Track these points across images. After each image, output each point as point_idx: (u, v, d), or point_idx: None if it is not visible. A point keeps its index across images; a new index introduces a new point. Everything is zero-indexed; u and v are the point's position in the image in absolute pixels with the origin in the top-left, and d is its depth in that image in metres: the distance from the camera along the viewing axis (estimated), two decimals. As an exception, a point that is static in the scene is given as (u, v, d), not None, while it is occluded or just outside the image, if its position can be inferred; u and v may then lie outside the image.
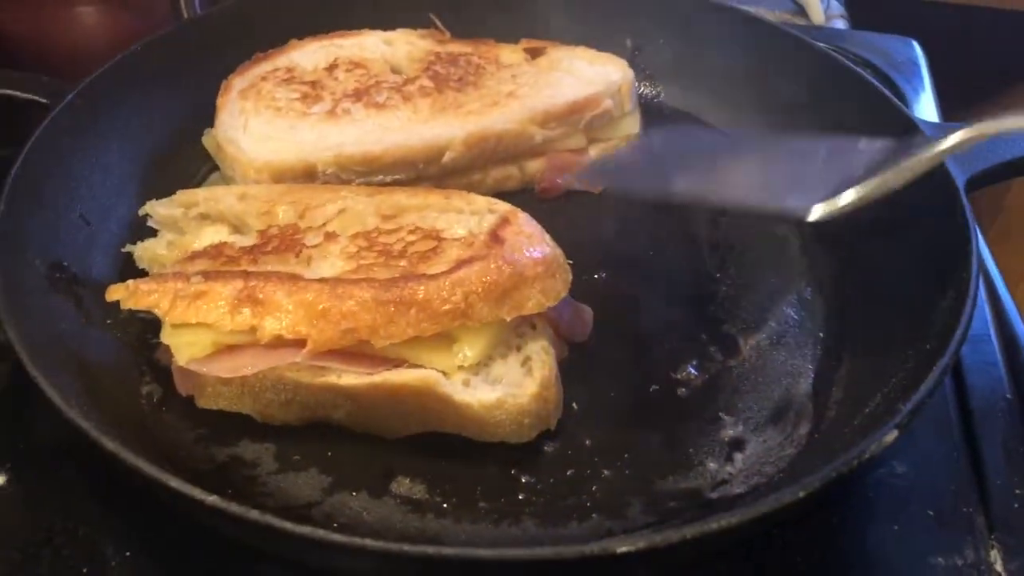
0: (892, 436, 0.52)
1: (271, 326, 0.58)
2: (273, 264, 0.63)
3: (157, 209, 0.72)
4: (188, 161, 0.83)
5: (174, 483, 0.48)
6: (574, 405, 0.65)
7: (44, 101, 0.75)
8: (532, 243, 0.62)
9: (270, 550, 0.53)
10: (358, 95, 0.83)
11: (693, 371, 0.68)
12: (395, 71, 0.88)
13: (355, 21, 0.92)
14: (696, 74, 0.93)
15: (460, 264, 0.59)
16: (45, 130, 0.72)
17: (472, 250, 0.61)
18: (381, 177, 0.77)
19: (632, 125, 0.87)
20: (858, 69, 0.81)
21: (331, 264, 0.63)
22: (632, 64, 0.94)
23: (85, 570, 0.57)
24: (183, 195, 0.72)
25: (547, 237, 0.65)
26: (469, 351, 0.59)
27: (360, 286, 0.58)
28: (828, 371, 0.68)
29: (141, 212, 0.72)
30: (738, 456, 0.63)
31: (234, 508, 0.47)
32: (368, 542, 0.45)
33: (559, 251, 0.65)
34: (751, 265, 0.77)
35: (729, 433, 0.64)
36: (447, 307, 0.57)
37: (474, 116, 0.81)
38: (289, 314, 0.58)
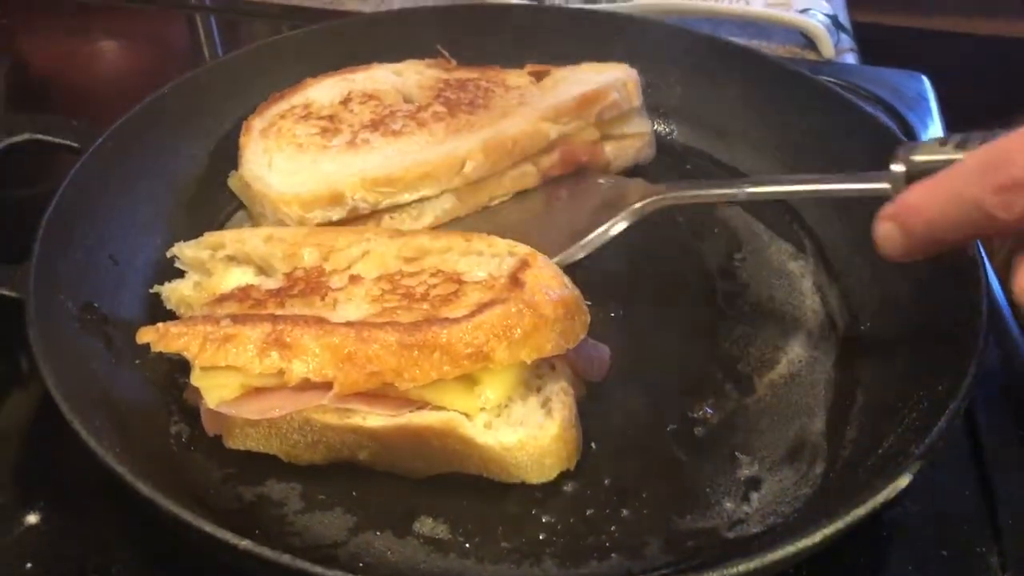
0: (906, 481, 0.53)
1: (299, 369, 0.59)
2: (299, 307, 0.65)
3: (184, 251, 0.74)
4: (213, 202, 0.85)
5: (209, 528, 0.50)
6: (593, 444, 0.66)
7: (75, 145, 0.77)
8: (551, 286, 0.63)
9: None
10: (375, 125, 0.85)
11: (709, 410, 0.70)
12: (407, 100, 0.90)
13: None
14: (707, 112, 0.95)
15: (481, 308, 0.61)
16: (76, 174, 0.74)
17: (492, 293, 0.63)
18: (407, 196, 0.79)
19: (642, 124, 0.91)
20: (860, 103, 0.83)
21: (356, 307, 0.64)
22: (644, 102, 0.97)
23: (117, 608, 0.59)
24: (210, 237, 0.74)
25: (565, 279, 0.66)
26: (491, 393, 0.61)
27: (385, 330, 0.60)
28: (842, 409, 0.69)
29: (169, 254, 0.74)
30: (754, 495, 0.64)
31: (266, 553, 0.49)
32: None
33: (577, 292, 0.66)
34: (765, 302, 0.79)
35: (745, 472, 0.65)
36: (469, 351, 0.59)
37: (488, 128, 0.83)
38: (316, 357, 0.60)
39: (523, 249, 0.68)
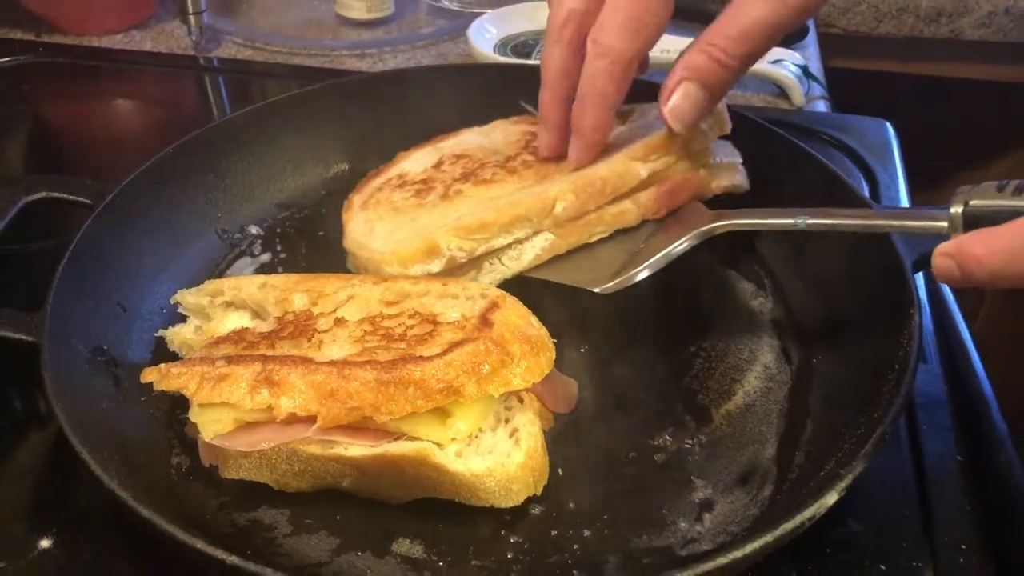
0: (832, 499, 0.59)
1: (286, 405, 0.65)
2: (288, 348, 0.71)
3: (186, 297, 0.80)
4: (213, 252, 0.92)
5: (200, 545, 0.56)
6: (559, 471, 0.72)
7: (87, 202, 0.84)
8: (518, 325, 0.69)
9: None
10: (466, 177, 0.88)
11: (669, 438, 0.75)
12: (496, 154, 0.93)
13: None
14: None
15: (453, 346, 0.67)
16: (87, 229, 0.80)
17: (464, 333, 0.69)
18: (501, 240, 0.81)
19: (732, 153, 0.90)
20: (812, 151, 0.89)
21: (339, 347, 0.70)
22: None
23: (121, 625, 0.64)
24: (210, 284, 0.81)
25: (532, 319, 0.72)
26: (461, 424, 0.66)
27: (364, 368, 0.66)
28: (792, 437, 0.74)
29: (172, 300, 0.81)
30: (707, 516, 0.69)
31: (251, 567, 0.55)
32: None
33: (544, 331, 0.72)
34: (726, 338, 0.84)
35: (700, 495, 0.71)
36: (440, 386, 0.64)
37: (578, 170, 0.85)
38: (302, 394, 0.66)
39: (494, 292, 0.74)
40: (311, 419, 0.66)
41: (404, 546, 0.67)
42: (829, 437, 0.71)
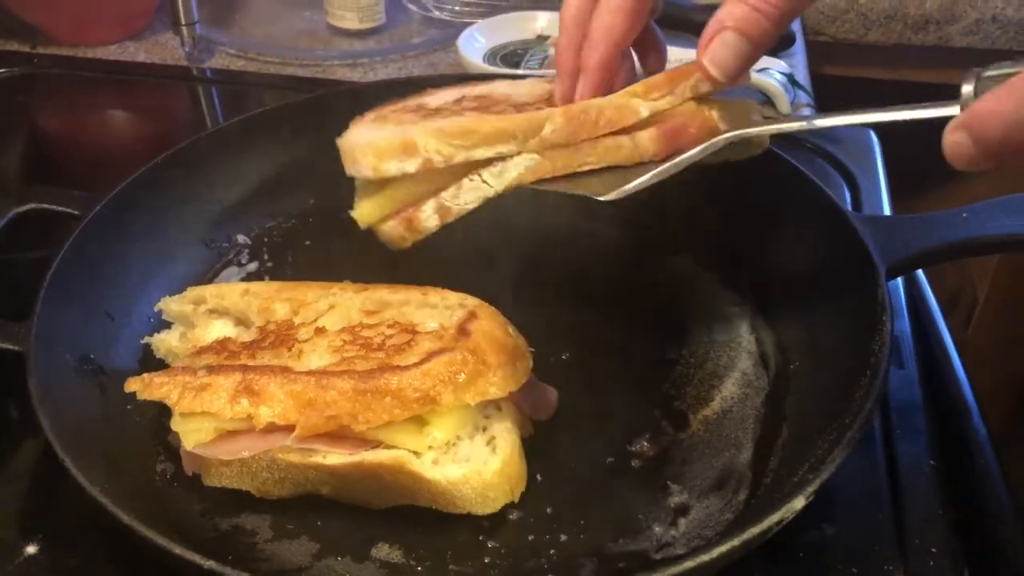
0: (800, 504, 0.60)
1: (265, 414, 0.67)
2: (269, 358, 0.72)
3: (169, 305, 0.82)
4: (199, 261, 0.93)
5: (178, 550, 0.57)
6: (538, 476, 0.73)
7: (76, 212, 0.86)
8: (495, 335, 0.70)
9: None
10: (475, 110, 0.84)
11: (646, 444, 0.76)
12: (516, 99, 0.88)
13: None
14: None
15: (430, 356, 0.68)
16: (76, 239, 0.82)
17: (442, 342, 0.70)
18: (482, 151, 0.76)
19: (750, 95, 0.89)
20: (793, 161, 0.90)
21: (319, 356, 0.72)
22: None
23: (104, 628, 0.66)
24: (193, 292, 0.82)
25: (510, 328, 0.74)
26: (438, 433, 0.67)
27: (342, 378, 0.67)
28: (768, 442, 0.76)
29: (155, 308, 0.82)
30: (682, 521, 0.70)
31: (228, 572, 0.56)
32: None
33: (521, 340, 0.74)
34: (704, 344, 0.85)
35: (676, 500, 0.72)
36: (417, 395, 0.66)
37: None
38: (281, 403, 0.67)
39: (472, 301, 0.75)
40: (290, 428, 0.67)
41: (383, 551, 0.69)
42: (803, 442, 0.72)
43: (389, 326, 0.74)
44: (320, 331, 0.75)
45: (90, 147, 1.33)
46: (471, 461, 0.68)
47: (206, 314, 0.80)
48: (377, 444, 0.68)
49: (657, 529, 0.70)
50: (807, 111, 1.30)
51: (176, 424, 0.70)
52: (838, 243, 0.81)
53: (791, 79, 1.30)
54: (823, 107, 1.33)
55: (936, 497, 0.73)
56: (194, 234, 0.95)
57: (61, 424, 0.67)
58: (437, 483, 0.66)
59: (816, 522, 0.70)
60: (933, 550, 0.69)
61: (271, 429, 0.67)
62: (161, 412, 0.78)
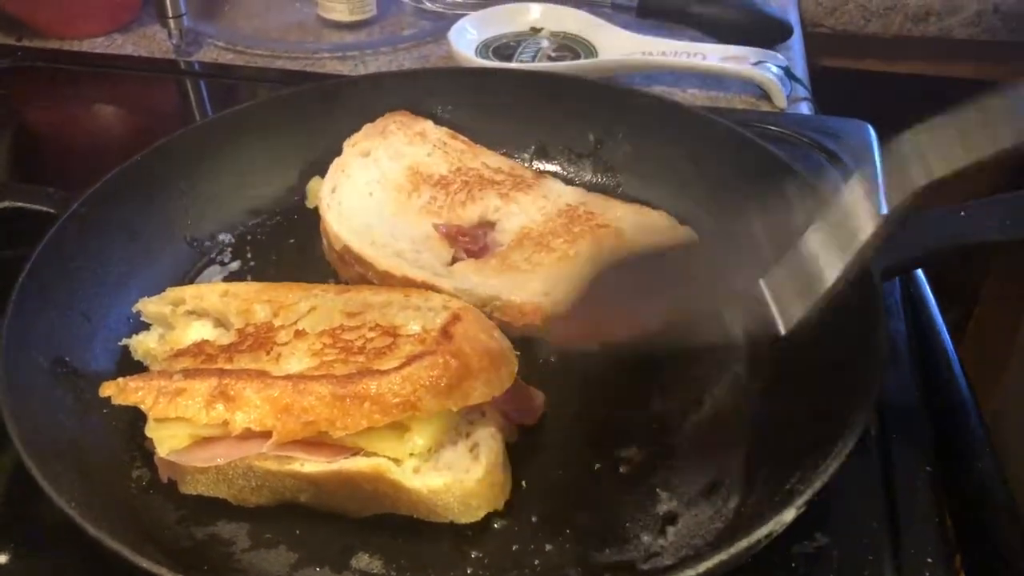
0: (790, 516, 0.58)
1: (241, 420, 0.65)
2: (247, 361, 0.70)
3: (148, 306, 0.80)
4: (180, 260, 0.91)
5: (145, 564, 0.55)
6: (523, 483, 0.71)
7: (51, 211, 0.83)
8: (478, 338, 0.68)
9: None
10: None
11: (635, 449, 0.74)
12: None
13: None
14: (653, 166, 1.00)
15: (411, 359, 0.66)
16: (50, 238, 0.80)
17: (424, 346, 0.68)
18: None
19: None
20: (787, 160, 0.88)
21: (298, 360, 0.70)
22: (595, 157, 1.03)
23: (74, 640, 0.64)
24: (172, 293, 0.80)
25: (495, 332, 0.71)
26: (419, 440, 0.65)
27: (320, 382, 0.65)
28: (758, 450, 0.73)
29: (133, 309, 0.80)
30: (670, 529, 0.68)
31: (197, 586, 0.54)
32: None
33: (506, 344, 0.71)
34: (695, 349, 0.83)
35: (664, 508, 0.70)
36: (397, 400, 0.63)
37: None
38: (257, 409, 0.65)
39: (456, 304, 0.73)
40: (267, 434, 0.65)
41: (363, 561, 0.67)
42: (795, 449, 0.70)
43: (370, 328, 0.72)
44: (300, 334, 0.73)
45: (76, 142, 1.31)
46: (453, 469, 0.66)
47: (185, 315, 0.78)
48: (357, 451, 0.66)
49: (645, 538, 0.68)
50: (804, 106, 1.28)
51: (151, 430, 0.68)
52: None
53: (788, 72, 1.27)
54: (821, 101, 1.31)
55: (933, 505, 0.71)
56: (175, 232, 0.93)
57: (30, 430, 0.66)
58: (418, 492, 0.65)
59: (809, 531, 0.68)
60: (929, 560, 0.67)
61: (247, 436, 0.65)
62: (137, 417, 0.75)
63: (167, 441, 0.67)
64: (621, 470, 0.73)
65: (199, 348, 0.74)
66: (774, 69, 1.26)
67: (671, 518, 0.69)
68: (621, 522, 0.69)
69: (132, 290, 0.85)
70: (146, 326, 0.82)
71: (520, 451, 0.72)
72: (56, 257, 0.80)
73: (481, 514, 0.66)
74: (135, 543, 0.58)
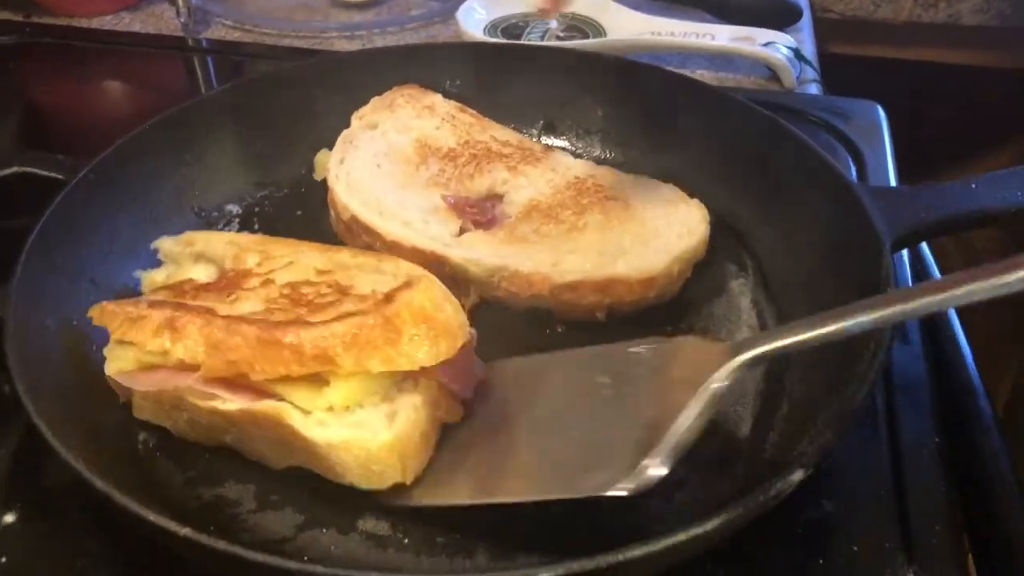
0: (798, 476, 0.57)
1: (178, 351, 0.66)
2: (209, 300, 0.72)
3: (165, 244, 0.83)
4: (189, 228, 0.91)
5: (153, 517, 0.55)
6: (533, 450, 0.71)
7: (60, 177, 0.83)
8: (422, 307, 0.66)
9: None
10: None
11: (643, 418, 0.74)
12: None
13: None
14: (661, 141, 1.00)
15: (341, 317, 0.65)
16: (60, 204, 0.80)
17: (363, 306, 0.67)
18: None
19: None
20: (798, 132, 0.87)
21: (250, 305, 0.71)
22: (603, 133, 1.03)
23: (81, 595, 0.64)
24: (188, 235, 0.83)
25: (448, 305, 0.68)
26: (333, 395, 0.64)
27: (250, 325, 0.65)
28: (767, 417, 0.73)
29: (153, 245, 0.83)
30: (678, 495, 0.68)
31: (203, 539, 0.54)
32: (314, 569, 0.52)
33: (459, 318, 0.68)
34: (705, 318, 0.83)
35: (673, 474, 0.69)
36: (314, 352, 0.63)
37: None
38: (193, 343, 0.66)
39: (418, 272, 0.72)
40: (198, 368, 0.66)
41: (370, 523, 0.67)
42: (803, 417, 0.70)
43: (328, 286, 0.72)
44: (267, 282, 0.74)
45: (83, 117, 1.31)
46: (360, 429, 0.64)
47: (194, 257, 0.80)
48: (277, 397, 0.65)
49: (654, 503, 0.67)
50: (813, 87, 1.28)
51: (108, 350, 0.71)
52: (842, 214, 0.79)
53: (797, 53, 1.27)
54: (830, 85, 1.31)
55: (939, 474, 0.71)
56: (183, 202, 0.93)
57: (39, 391, 0.65)
58: (315, 444, 0.63)
59: (816, 499, 0.69)
60: (936, 528, 0.67)
61: (182, 368, 0.67)
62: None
63: (116, 362, 0.70)
64: (629, 438, 0.72)
65: (180, 285, 0.76)
66: (784, 50, 1.26)
67: (680, 483, 0.69)
68: (629, 488, 0.68)
69: (139, 257, 0.86)
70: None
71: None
72: (65, 222, 0.80)
73: (386, 483, 0.64)
74: (142, 499, 0.58)
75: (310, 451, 0.64)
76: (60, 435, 0.62)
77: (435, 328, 0.65)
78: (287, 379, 0.64)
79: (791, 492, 0.58)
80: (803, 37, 1.38)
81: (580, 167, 0.94)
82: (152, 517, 0.55)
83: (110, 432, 0.71)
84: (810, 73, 1.28)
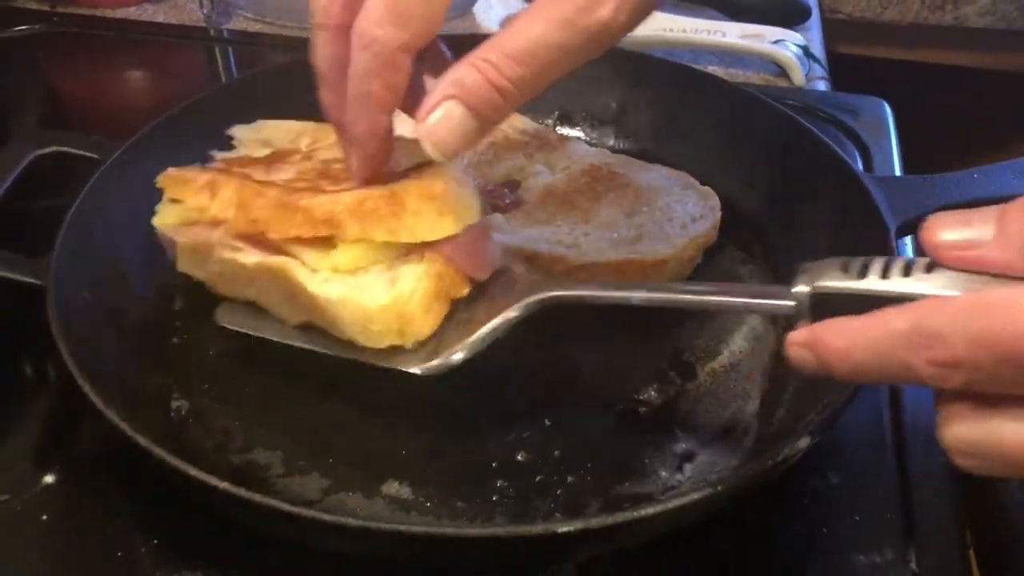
0: (804, 443, 0.60)
1: (214, 208, 0.72)
2: (253, 170, 0.76)
3: (238, 130, 0.87)
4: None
5: (193, 472, 0.58)
6: (546, 421, 0.74)
7: (95, 156, 0.87)
8: (430, 184, 0.68)
9: (271, 534, 0.63)
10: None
11: (654, 393, 0.77)
12: None
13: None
14: (675, 133, 1.03)
15: (352, 188, 0.69)
16: (96, 181, 0.83)
17: (379, 179, 0.70)
18: None
19: None
20: (809, 125, 0.90)
21: (284, 175, 0.76)
22: (617, 124, 1.06)
23: (120, 554, 0.67)
24: (260, 123, 0.88)
25: (455, 186, 0.69)
26: (338, 257, 0.69)
27: (273, 188, 0.71)
28: (775, 394, 0.76)
29: (228, 132, 0.86)
30: (687, 466, 0.71)
31: (242, 492, 0.57)
32: (347, 520, 0.55)
33: (465, 192, 0.70)
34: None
35: (682, 446, 0.73)
36: (323, 216, 0.68)
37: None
38: (226, 202, 0.72)
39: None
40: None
41: (393, 488, 0.70)
42: (810, 394, 0.72)
43: None
44: (306, 158, 0.79)
45: (107, 105, 1.34)
46: (359, 289, 0.67)
47: (260, 142, 0.85)
48: (291, 257, 0.70)
49: (663, 474, 0.71)
50: (821, 84, 1.30)
51: (160, 206, 0.77)
52: (849, 202, 0.82)
53: (806, 51, 1.30)
54: (838, 86, 1.33)
55: (941, 449, 0.74)
56: (211, 183, 0.96)
57: (83, 363, 0.68)
58: (317, 297, 0.68)
59: (821, 470, 0.71)
60: (936, 499, 0.70)
61: (214, 223, 0.73)
62: (174, 352, 0.80)
63: (163, 216, 0.76)
64: (640, 411, 0.76)
65: (238, 159, 0.81)
66: (793, 48, 1.29)
67: (688, 456, 0.72)
68: (640, 459, 0.72)
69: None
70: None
71: (544, 396, 0.76)
72: (99, 200, 0.83)
73: (383, 342, 0.68)
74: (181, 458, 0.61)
75: (313, 305, 0.69)
76: (104, 397, 0.65)
77: (440, 205, 0.67)
78: (299, 240, 0.69)
79: (798, 460, 0.61)
80: (812, 36, 1.40)
81: (595, 155, 0.97)
82: (193, 472, 0.58)
83: (142, 401, 0.75)
84: (818, 71, 1.31)
